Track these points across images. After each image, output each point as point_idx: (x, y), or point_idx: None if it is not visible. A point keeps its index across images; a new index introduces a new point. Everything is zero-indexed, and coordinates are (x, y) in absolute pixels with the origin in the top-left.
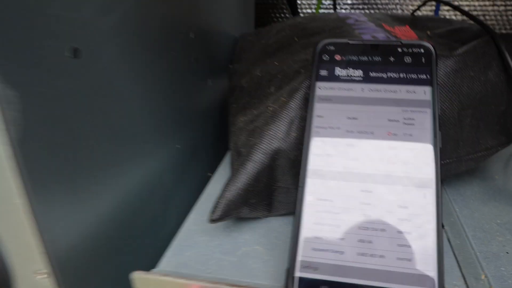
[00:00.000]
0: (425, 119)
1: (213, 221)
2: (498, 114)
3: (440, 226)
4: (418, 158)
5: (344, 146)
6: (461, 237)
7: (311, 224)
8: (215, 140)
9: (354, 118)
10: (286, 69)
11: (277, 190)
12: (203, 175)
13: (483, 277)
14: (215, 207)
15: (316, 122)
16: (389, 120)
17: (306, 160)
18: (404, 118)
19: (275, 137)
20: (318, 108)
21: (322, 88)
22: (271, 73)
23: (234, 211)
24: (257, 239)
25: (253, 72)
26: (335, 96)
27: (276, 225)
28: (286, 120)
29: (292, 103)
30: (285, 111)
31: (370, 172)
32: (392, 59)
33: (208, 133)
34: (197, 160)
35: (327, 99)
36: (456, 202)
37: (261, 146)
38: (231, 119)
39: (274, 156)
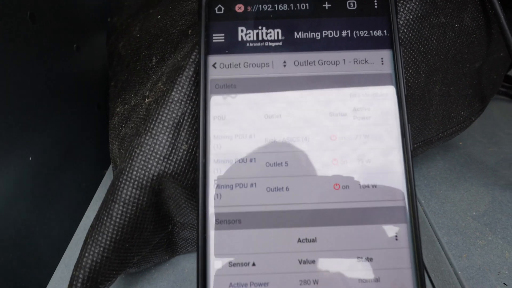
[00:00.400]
0: (388, 107)
1: None
2: (471, 73)
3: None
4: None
5: (263, 170)
6: (434, 247)
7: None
8: (99, 136)
9: (274, 117)
10: (170, 27)
11: (176, 227)
12: (86, 188)
13: None
14: (71, 283)
15: (214, 128)
16: (331, 116)
17: (205, 197)
18: (355, 110)
19: (152, 156)
20: (216, 104)
21: (219, 67)
22: (152, 34)
23: (105, 280)
24: None
25: (132, 31)
26: (241, 80)
27: (185, 273)
28: (167, 125)
29: (175, 95)
30: (164, 110)
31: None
32: (327, 5)
33: (86, 128)
34: (71, 170)
35: (228, 86)
36: (420, 189)
37: (131, 175)
38: (110, 105)
39: (155, 187)
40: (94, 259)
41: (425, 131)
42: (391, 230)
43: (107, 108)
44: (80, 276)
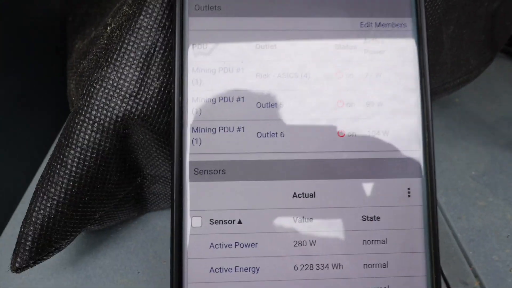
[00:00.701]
0: (406, 41)
1: (17, 270)
2: (487, 15)
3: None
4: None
5: (253, 111)
6: None
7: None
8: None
9: (268, 47)
10: None
11: (146, 181)
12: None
13: (476, 283)
14: (17, 247)
15: (193, 61)
16: (338, 49)
17: (181, 142)
18: (366, 42)
19: (116, 93)
20: (195, 30)
21: None
22: None
23: (61, 239)
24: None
25: None
26: (228, 1)
27: (157, 232)
28: (134, 55)
29: (144, 19)
30: (131, 37)
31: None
32: None
33: (42, 73)
34: (26, 119)
35: (211, 8)
36: None
37: (89, 115)
38: (68, 43)
39: (120, 130)
40: (46, 214)
41: (432, 80)
42: (403, 185)
43: (65, 47)
44: (30, 233)
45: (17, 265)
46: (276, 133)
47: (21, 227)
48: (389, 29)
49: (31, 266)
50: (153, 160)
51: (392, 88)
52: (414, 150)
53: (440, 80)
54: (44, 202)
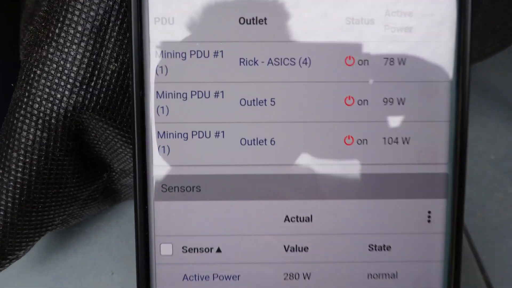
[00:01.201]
0: (442, 13)
1: None
2: None
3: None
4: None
5: (236, 110)
6: None
7: None
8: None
9: (256, 22)
10: None
11: (115, 174)
12: None
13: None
14: None
15: (156, 37)
16: (349, 24)
17: (144, 152)
18: (388, 14)
19: (62, 80)
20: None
21: None
22: None
23: (16, 250)
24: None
25: None
26: None
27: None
28: (81, 29)
29: None
30: (76, 4)
31: None
32: None
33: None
34: None
35: None
36: None
37: (31, 109)
38: None
39: (72, 127)
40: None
41: (485, 41)
42: (422, 207)
43: None
44: None
45: None
46: (265, 139)
47: None
48: None
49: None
50: (119, 156)
51: (419, 81)
52: (441, 164)
53: (491, 41)
54: None
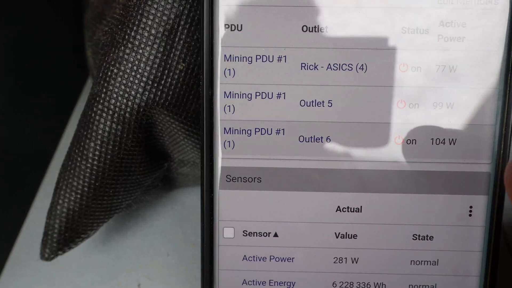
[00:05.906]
0: (495, 24)
1: (46, 259)
2: None
3: None
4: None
5: (296, 110)
6: None
7: None
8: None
9: (317, 30)
10: None
11: (174, 163)
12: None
13: None
14: (45, 238)
15: (226, 44)
16: (404, 33)
17: (211, 145)
18: (442, 25)
19: (136, 79)
20: (227, 5)
21: None
22: None
23: (88, 230)
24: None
25: None
26: None
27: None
28: (155, 32)
29: None
30: (151, 9)
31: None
32: None
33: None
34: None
35: None
36: None
37: (108, 103)
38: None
39: (143, 121)
40: (71, 207)
41: None
42: (464, 202)
43: None
44: (56, 226)
45: (46, 255)
46: (321, 137)
47: (46, 218)
48: (472, 6)
49: (60, 254)
50: (180, 147)
51: (468, 87)
52: (484, 164)
53: None
54: (67, 195)
